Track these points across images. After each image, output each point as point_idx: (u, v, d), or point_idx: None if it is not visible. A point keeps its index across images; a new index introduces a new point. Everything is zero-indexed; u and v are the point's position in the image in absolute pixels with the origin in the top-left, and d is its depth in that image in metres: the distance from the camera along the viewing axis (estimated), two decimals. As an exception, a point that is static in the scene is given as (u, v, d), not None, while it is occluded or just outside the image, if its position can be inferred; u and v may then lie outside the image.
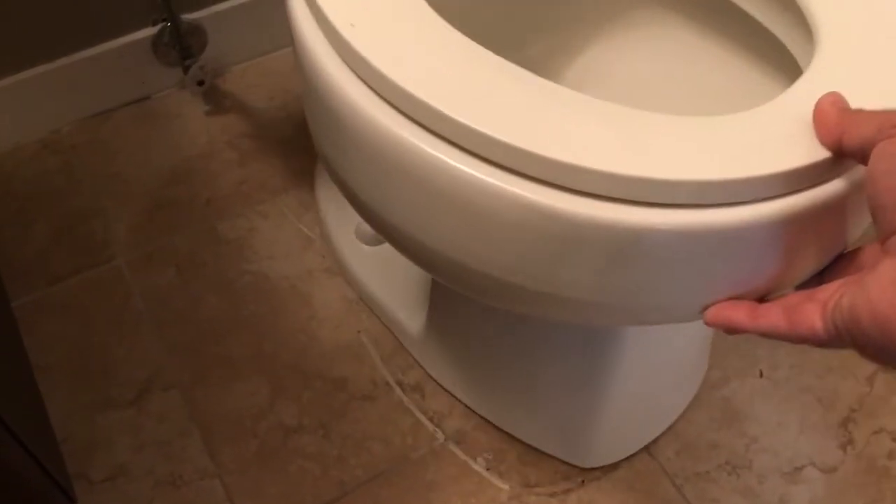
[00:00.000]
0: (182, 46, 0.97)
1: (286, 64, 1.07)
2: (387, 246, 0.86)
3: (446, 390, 0.80)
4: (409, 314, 0.80)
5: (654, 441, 0.77)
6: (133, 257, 0.89)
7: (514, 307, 0.53)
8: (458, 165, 0.42)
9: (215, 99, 1.03)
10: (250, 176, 0.96)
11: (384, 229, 0.51)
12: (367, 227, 0.85)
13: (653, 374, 0.72)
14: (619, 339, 0.64)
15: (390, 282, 0.83)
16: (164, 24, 0.97)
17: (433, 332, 0.77)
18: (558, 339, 0.67)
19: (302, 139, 0.99)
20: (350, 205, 0.53)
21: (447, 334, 0.76)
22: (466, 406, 0.79)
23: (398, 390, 0.81)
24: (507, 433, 0.77)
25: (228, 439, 0.78)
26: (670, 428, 0.78)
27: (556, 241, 0.42)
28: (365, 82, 0.45)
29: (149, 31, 0.98)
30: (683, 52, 0.64)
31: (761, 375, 0.82)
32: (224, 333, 0.84)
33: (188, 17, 0.98)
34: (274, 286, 0.87)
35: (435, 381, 0.80)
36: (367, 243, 0.86)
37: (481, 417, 0.78)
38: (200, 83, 0.97)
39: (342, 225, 0.87)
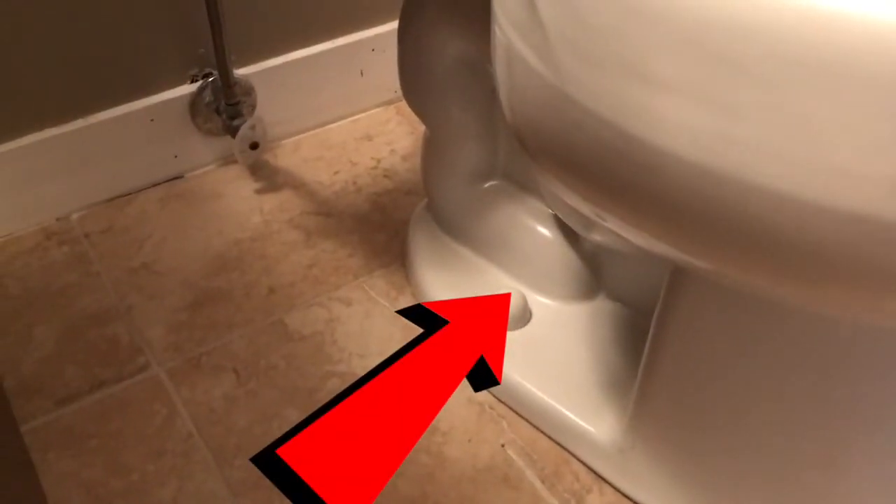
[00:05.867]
0: (229, 104, 0.77)
1: (348, 135, 0.87)
2: (537, 325, 0.63)
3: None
4: (588, 411, 0.56)
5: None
6: (174, 364, 0.65)
7: None
8: None
9: (265, 175, 0.82)
10: (321, 258, 0.74)
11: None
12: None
13: None
14: None
15: (551, 372, 0.59)
16: (204, 80, 0.78)
17: (645, 428, 0.52)
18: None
19: (379, 213, 0.78)
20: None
21: (674, 429, 0.51)
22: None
23: (578, 525, 0.55)
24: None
25: None
26: None
27: None
28: None
29: (185, 90, 0.78)
30: None
31: None
32: (313, 460, 0.59)
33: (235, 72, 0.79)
34: (373, 392, 0.63)
35: (640, 504, 0.55)
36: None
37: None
38: (254, 146, 0.77)
39: (462, 303, 0.64)
